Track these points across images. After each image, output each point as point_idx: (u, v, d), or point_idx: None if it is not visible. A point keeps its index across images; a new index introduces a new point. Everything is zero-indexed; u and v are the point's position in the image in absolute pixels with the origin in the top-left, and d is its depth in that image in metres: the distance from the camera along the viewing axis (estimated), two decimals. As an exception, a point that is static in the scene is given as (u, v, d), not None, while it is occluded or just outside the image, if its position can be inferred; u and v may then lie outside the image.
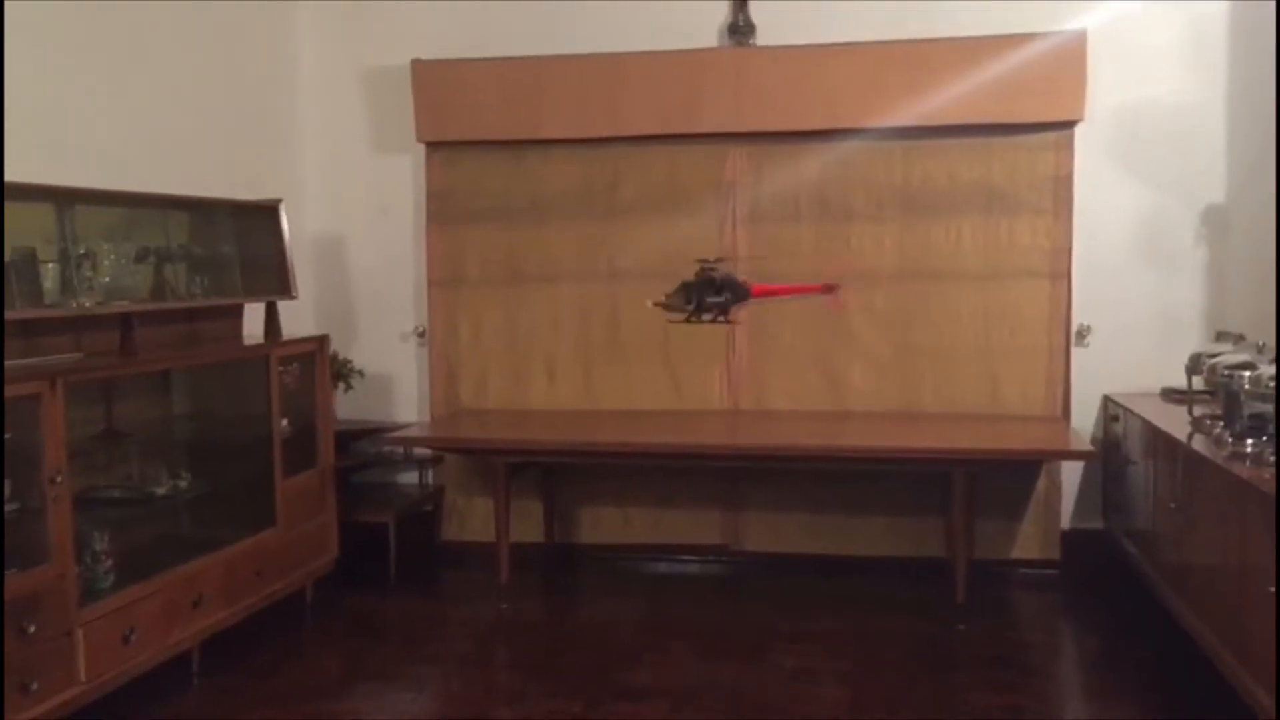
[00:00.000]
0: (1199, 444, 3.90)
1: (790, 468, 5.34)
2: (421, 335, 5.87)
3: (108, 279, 4.09)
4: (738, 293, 4.32)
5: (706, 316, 4.12)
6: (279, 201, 4.94)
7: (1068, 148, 5.18)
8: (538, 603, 5.31)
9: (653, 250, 5.57)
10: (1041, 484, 5.30)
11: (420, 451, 5.79)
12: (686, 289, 4.44)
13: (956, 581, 4.86)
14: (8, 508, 3.46)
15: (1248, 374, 3.75)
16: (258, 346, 4.76)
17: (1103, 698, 4.06)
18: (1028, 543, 5.33)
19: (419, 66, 5.62)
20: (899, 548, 5.40)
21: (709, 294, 4.30)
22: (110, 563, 3.87)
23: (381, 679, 4.34)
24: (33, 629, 3.39)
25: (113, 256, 4.15)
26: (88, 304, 3.92)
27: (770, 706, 3.92)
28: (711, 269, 4.25)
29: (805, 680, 4.15)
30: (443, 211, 5.75)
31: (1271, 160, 4.50)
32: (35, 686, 3.38)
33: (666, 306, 4.53)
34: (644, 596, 5.22)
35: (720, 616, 5.02)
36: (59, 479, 3.54)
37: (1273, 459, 3.46)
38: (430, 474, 5.87)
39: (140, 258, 4.33)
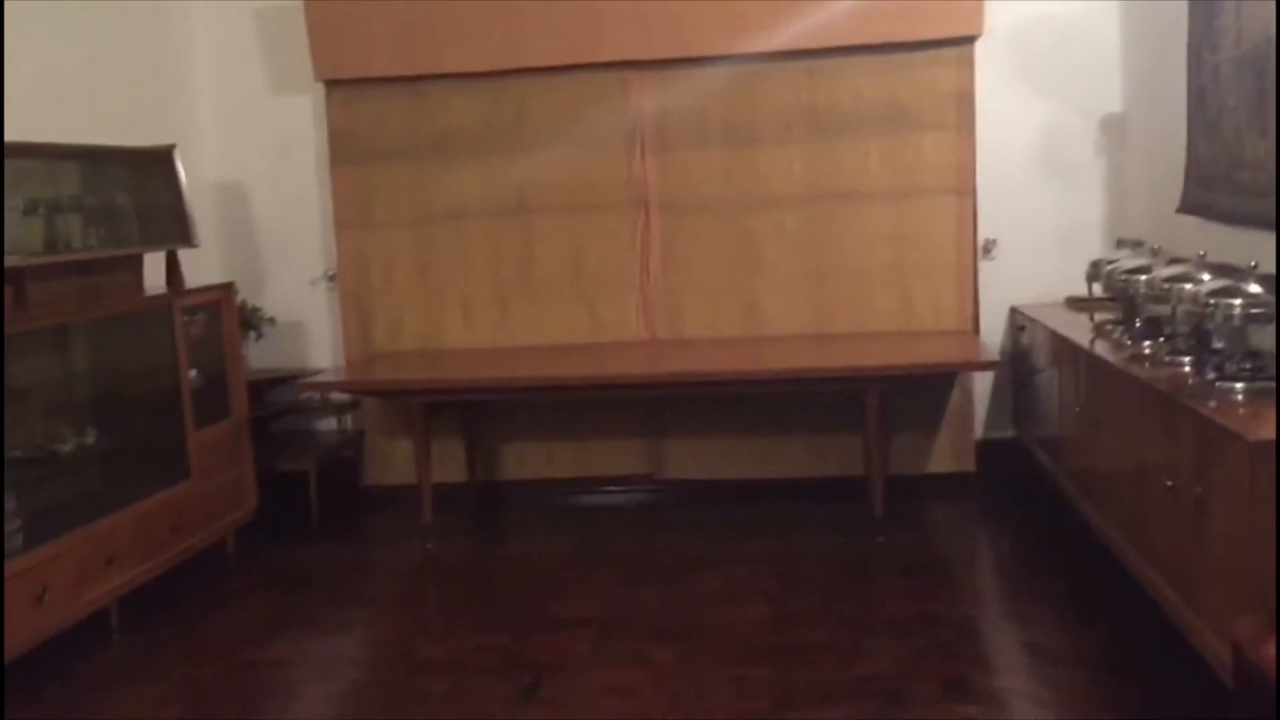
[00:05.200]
0: (1100, 349, 4.00)
1: (709, 394, 5.38)
2: (331, 279, 5.78)
3: (-5, 233, 3.95)
4: None
5: None
6: (173, 147, 4.80)
7: (968, 63, 5.22)
8: (463, 541, 5.31)
9: (562, 183, 5.54)
10: (954, 397, 5.40)
11: (338, 396, 5.73)
12: None
13: (874, 497, 4.95)
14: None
15: (1144, 278, 3.84)
16: (159, 297, 4.65)
17: (1015, 599, 4.17)
18: (943, 455, 5.44)
19: (312, 3, 5.46)
20: (819, 468, 5.48)
21: None
22: (18, 523, 3.79)
23: (308, 625, 4.32)
24: (-61, 594, 3.32)
25: (-1, 210, 4.01)
26: (-25, 260, 3.80)
27: (695, 628, 3.98)
28: None
29: (729, 601, 4.22)
30: (346, 152, 5.64)
31: (1166, 65, 4.58)
32: (-55, 651, 3.32)
33: None
34: (569, 529, 5.25)
35: (645, 544, 5.07)
36: (-44, 441, 3.45)
37: (1169, 359, 3.56)
38: (349, 419, 5.82)
39: (29, 210, 4.19)
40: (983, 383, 5.44)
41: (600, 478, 5.67)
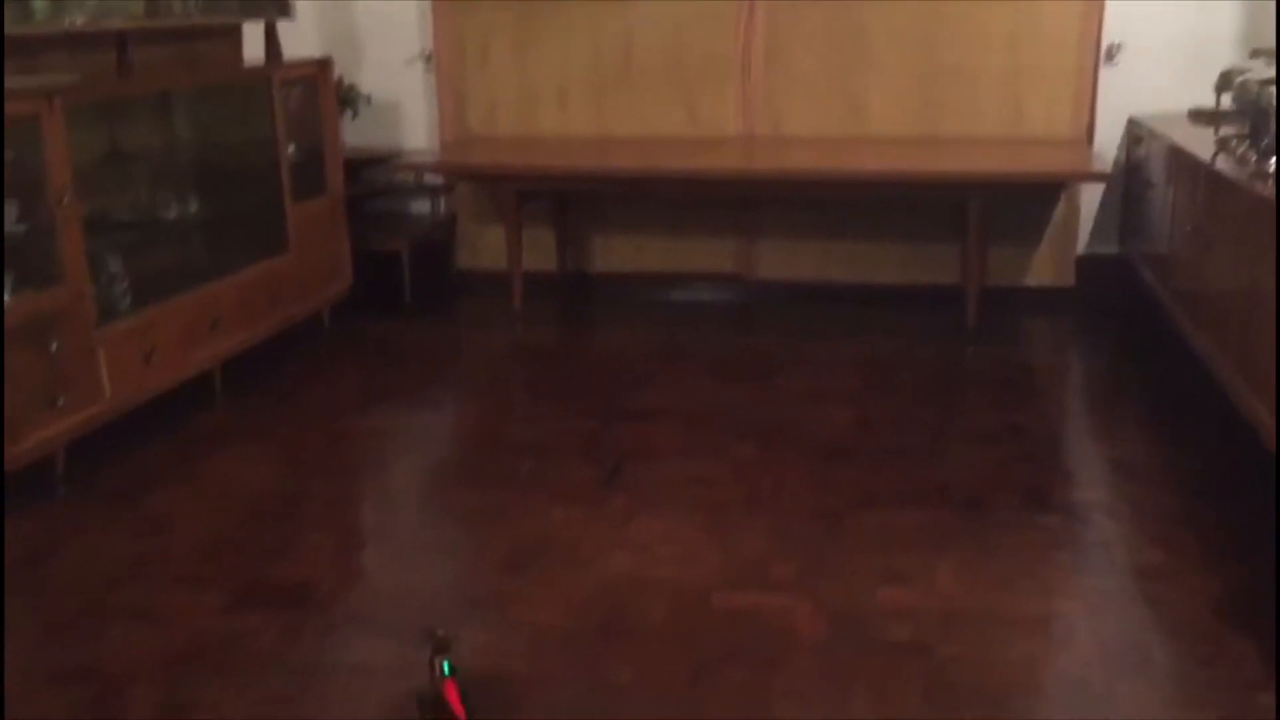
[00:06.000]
0: (1222, 164, 3.81)
1: (805, 194, 5.27)
2: (428, 59, 5.70)
3: (98, -4, 3.94)
4: None
5: None
6: (270, -89, 4.69)
7: None
8: (551, 329, 5.38)
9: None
10: (1060, 209, 5.23)
11: (431, 179, 5.72)
12: None
13: (967, 307, 4.88)
14: (20, 227, 3.47)
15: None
16: (258, 69, 4.63)
17: (1106, 415, 4.14)
18: (1042, 268, 5.30)
19: None
20: (914, 275, 5.39)
21: None
22: (126, 284, 3.92)
23: (399, 400, 4.45)
24: (55, 346, 3.46)
25: (101, -30, 3.98)
26: (79, 21, 3.80)
27: (779, 425, 4.02)
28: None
29: (814, 401, 4.24)
30: (445, -75, 5.47)
31: None
32: (62, 402, 3.48)
33: None
34: (656, 323, 5.28)
35: (732, 342, 5.09)
36: (66, 200, 3.52)
37: (1297, 177, 3.38)
38: (442, 202, 5.83)
39: (129, -28, 4.15)
40: (1091, 196, 5.24)
41: (689, 274, 5.65)
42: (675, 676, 2.56)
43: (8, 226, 3.43)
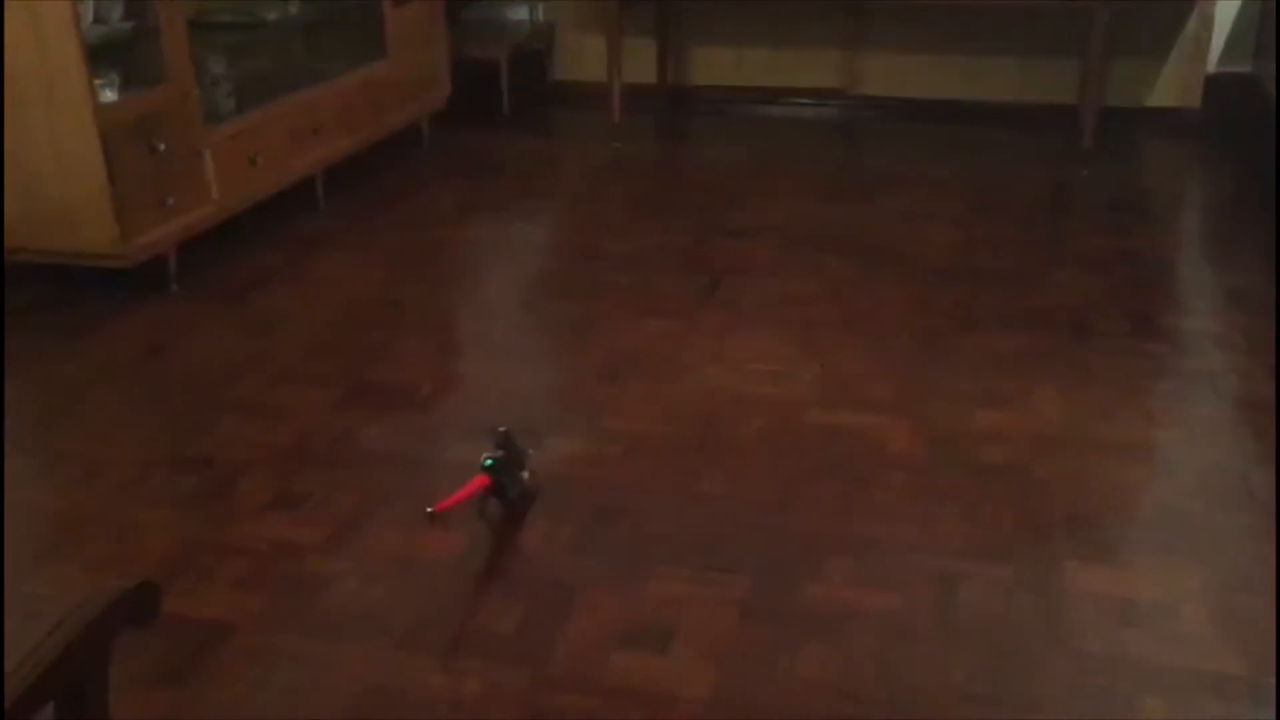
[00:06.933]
0: (1379, -26, 3.53)
1: (916, 2, 5.02)
2: None
3: None
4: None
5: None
6: None
7: None
8: (650, 143, 5.30)
9: None
10: (1191, 23, 4.92)
11: (530, -15, 5.59)
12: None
13: (1084, 127, 4.67)
14: (125, 25, 3.47)
15: None
16: None
17: (1225, 244, 3.98)
18: (1166, 87, 5.03)
19: None
20: (1028, 92, 5.16)
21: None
22: (230, 87, 3.92)
23: (498, 210, 4.46)
24: (162, 147, 3.50)
25: None
26: None
27: (880, 245, 3.94)
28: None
29: (917, 221, 4.14)
30: None
31: None
32: (171, 201, 3.55)
33: None
34: (757, 139, 5.17)
35: (834, 160, 4.97)
36: (170, -2, 3.51)
37: None
38: (541, 10, 5.70)
39: None
40: (1227, 7, 4.89)
41: (792, 89, 5.48)
42: (766, 489, 2.59)
43: (113, 23, 3.44)
